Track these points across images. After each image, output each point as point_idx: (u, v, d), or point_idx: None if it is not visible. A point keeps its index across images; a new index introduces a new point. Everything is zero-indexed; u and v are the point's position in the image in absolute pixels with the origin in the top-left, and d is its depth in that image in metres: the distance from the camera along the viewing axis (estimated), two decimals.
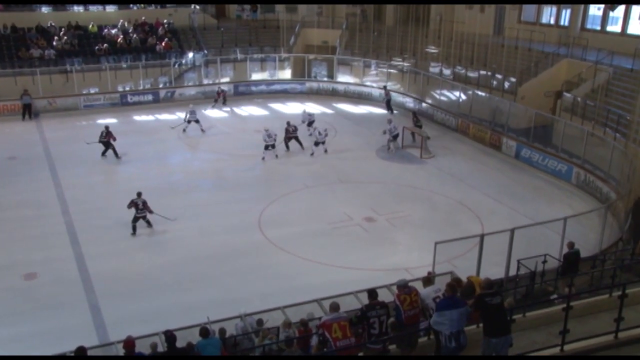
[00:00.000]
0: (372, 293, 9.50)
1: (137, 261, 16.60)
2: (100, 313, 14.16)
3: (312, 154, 24.77)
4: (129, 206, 18.07)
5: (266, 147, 24.10)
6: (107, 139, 24.26)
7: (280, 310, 11.98)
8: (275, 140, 24.24)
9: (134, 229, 18.03)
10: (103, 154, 24.43)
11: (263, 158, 24.12)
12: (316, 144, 24.82)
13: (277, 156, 24.39)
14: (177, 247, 17.35)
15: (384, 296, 10.15)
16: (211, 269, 16.16)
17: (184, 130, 27.79)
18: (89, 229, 18.35)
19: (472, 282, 10.99)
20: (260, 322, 11.75)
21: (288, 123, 25.48)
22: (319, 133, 24.81)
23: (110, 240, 17.67)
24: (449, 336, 8.23)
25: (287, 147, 25.21)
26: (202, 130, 27.91)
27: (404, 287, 9.48)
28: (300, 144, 25.29)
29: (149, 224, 18.40)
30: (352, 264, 16.25)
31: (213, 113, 31.63)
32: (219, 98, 32.59)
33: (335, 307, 9.15)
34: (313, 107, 32.88)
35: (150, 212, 18.20)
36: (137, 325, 11.91)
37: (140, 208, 18.07)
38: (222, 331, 11.02)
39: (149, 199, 20.60)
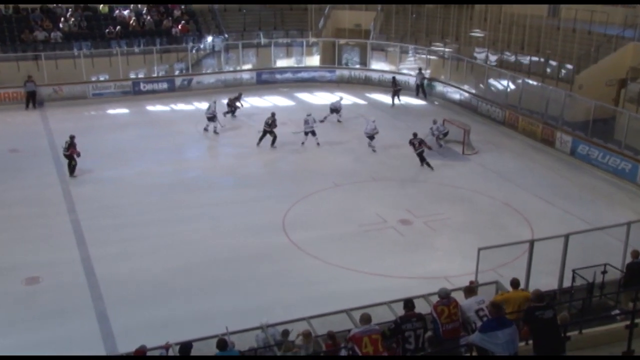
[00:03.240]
0: (407, 304, 9.45)
1: (149, 265, 16.69)
2: (108, 321, 14.27)
3: (302, 143, 25.37)
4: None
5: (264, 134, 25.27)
6: (69, 152, 22.03)
7: (305, 321, 11.94)
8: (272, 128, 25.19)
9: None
10: (71, 172, 22.28)
11: (258, 144, 25.36)
12: (305, 133, 25.32)
13: (275, 147, 25.16)
14: (192, 250, 17.43)
15: (421, 307, 10.07)
16: (229, 274, 16.22)
17: (210, 128, 27.21)
18: (97, 229, 18.54)
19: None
20: (285, 333, 11.71)
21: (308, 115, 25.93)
22: (307, 122, 25.30)
23: (120, 242, 17.81)
24: None
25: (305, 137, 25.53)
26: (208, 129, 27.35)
27: (443, 298, 9.40)
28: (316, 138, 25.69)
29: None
30: (386, 271, 16.18)
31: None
32: (234, 102, 29.90)
33: (366, 319, 9.11)
34: (344, 97, 32.92)
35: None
36: (148, 335, 11.98)
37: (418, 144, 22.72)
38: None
39: (163, 196, 20.79)
